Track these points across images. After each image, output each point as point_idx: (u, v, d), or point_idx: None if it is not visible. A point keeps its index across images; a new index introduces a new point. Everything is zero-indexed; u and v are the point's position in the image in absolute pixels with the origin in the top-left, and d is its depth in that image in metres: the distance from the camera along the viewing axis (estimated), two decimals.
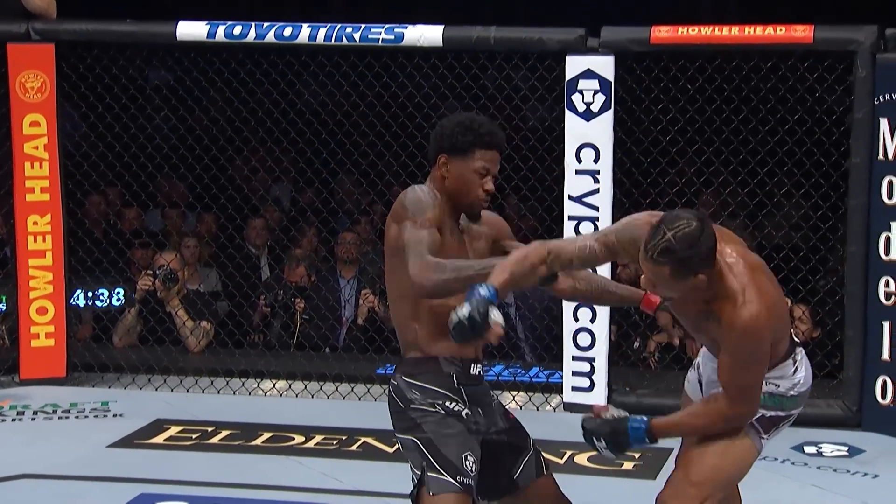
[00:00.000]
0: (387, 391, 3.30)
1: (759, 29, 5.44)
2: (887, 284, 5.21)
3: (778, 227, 6.22)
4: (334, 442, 5.12)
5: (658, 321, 6.22)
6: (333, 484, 4.73)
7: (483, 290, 3.10)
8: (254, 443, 5.18)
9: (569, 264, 3.28)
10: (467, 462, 3.22)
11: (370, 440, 5.27)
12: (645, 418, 3.21)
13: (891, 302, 5.20)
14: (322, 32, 5.63)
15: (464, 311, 3.04)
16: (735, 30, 5.50)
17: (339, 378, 5.98)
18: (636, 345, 6.24)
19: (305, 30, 5.67)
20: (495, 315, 3.01)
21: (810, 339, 5.89)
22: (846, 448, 5.27)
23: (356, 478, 4.76)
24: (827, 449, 5.28)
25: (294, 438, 5.25)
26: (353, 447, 5.21)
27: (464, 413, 3.24)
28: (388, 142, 5.99)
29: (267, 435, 5.26)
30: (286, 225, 6.81)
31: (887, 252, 5.16)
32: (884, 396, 5.26)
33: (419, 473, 3.19)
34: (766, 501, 4.67)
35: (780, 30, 5.42)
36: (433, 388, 3.22)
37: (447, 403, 3.23)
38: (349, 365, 6.11)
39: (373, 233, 6.78)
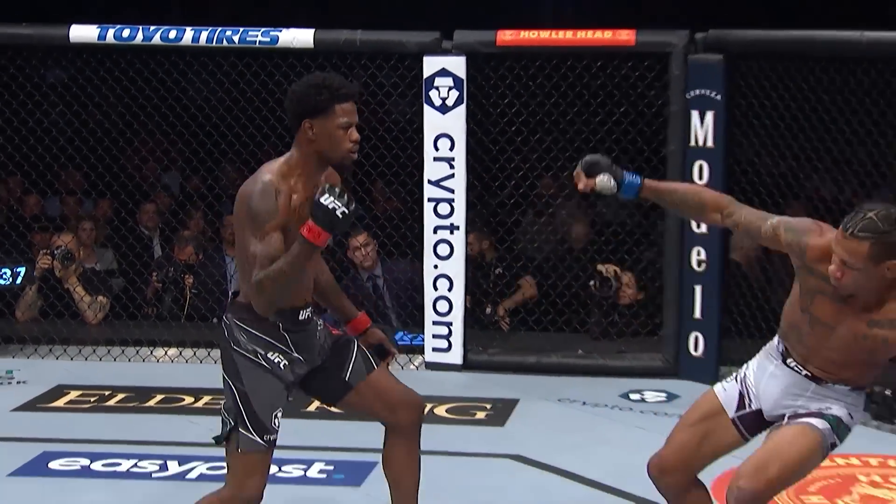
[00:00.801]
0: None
1: (590, 33, 5.45)
2: (699, 254, 5.29)
3: (608, 205, 6.31)
4: (222, 401, 5.04)
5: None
6: None
7: (631, 177, 3.06)
8: (147, 404, 5.05)
9: (734, 226, 3.09)
10: (276, 420, 3.10)
11: None
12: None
13: (701, 269, 5.31)
14: (204, 35, 5.50)
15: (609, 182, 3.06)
16: (570, 34, 5.50)
17: None
18: (488, 310, 6.28)
19: (189, 33, 5.51)
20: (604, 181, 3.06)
21: (635, 301, 5.99)
22: (665, 395, 5.33)
23: None
24: (649, 396, 5.32)
25: (184, 399, 5.12)
26: None
27: (282, 365, 3.09)
28: (267, 133, 5.88)
29: (160, 397, 5.13)
30: (175, 209, 6.63)
31: (699, 226, 5.25)
32: (696, 349, 5.37)
33: (232, 423, 3.07)
34: (597, 441, 4.74)
35: (608, 34, 5.43)
36: (258, 333, 3.05)
37: (269, 355, 3.08)
38: None
39: None
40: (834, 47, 4.94)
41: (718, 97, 5.26)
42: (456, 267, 5.66)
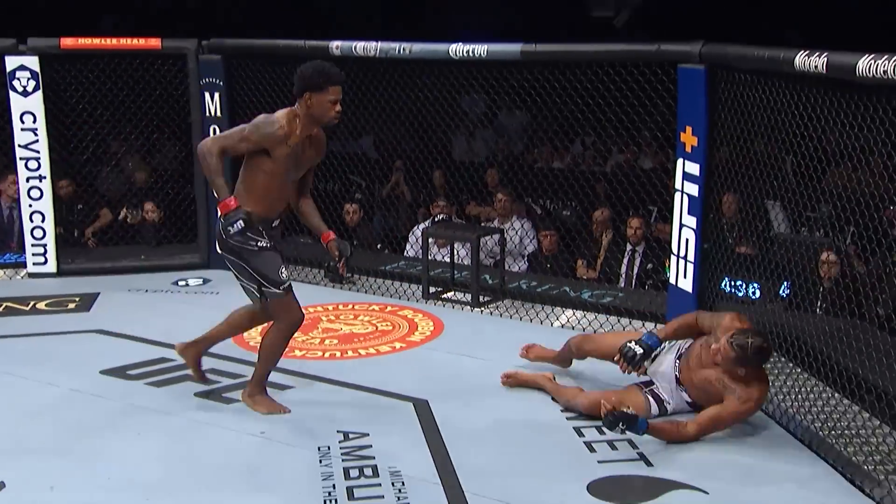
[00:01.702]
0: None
1: (132, 40, 5.62)
2: None
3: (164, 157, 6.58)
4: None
5: None
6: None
7: (649, 339, 3.48)
8: None
9: (702, 328, 3.50)
10: (282, 273, 3.57)
11: (10, 304, 5.22)
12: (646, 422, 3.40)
13: None
14: None
15: (636, 347, 3.43)
16: (115, 40, 5.65)
17: None
18: (76, 234, 6.34)
19: None
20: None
21: (160, 222, 6.33)
22: (202, 280, 5.78)
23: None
24: (192, 282, 5.76)
25: None
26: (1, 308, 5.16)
27: (268, 245, 3.53)
28: None
29: None
30: None
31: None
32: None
33: (256, 286, 3.53)
34: (156, 314, 5.04)
35: (142, 41, 5.62)
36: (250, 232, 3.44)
37: (259, 241, 3.50)
38: None
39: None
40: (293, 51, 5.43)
41: (221, 83, 5.66)
42: (46, 205, 5.72)
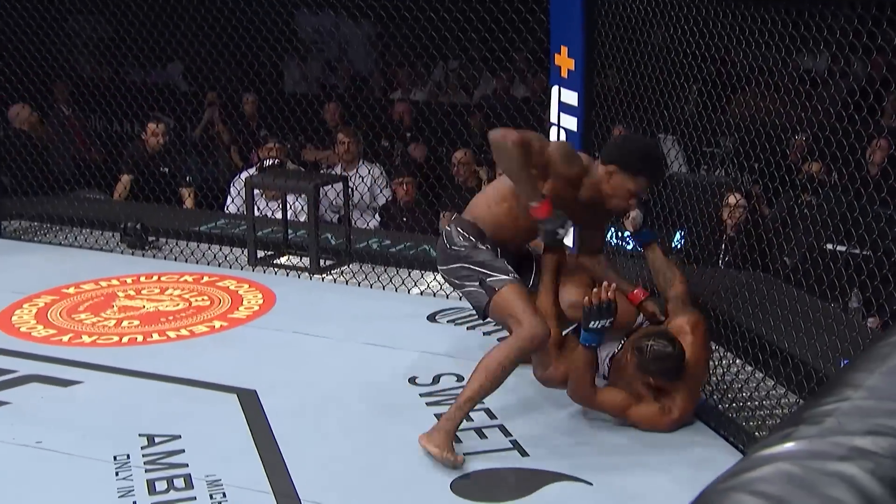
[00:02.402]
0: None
1: None
2: None
3: None
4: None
5: None
6: None
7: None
8: None
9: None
10: (510, 268, 3.51)
11: None
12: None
13: None
14: None
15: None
16: None
17: None
18: None
19: None
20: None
21: None
22: None
23: None
24: None
25: None
26: None
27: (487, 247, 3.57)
28: None
29: None
30: None
31: None
32: None
33: (477, 284, 3.48)
34: None
35: None
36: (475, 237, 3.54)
37: (478, 243, 3.54)
38: None
39: None
40: None
41: None
42: None
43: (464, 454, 3.45)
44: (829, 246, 4.62)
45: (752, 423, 3.56)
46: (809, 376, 3.53)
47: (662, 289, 3.72)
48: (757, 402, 3.67)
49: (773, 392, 3.75)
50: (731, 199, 5.43)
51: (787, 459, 0.71)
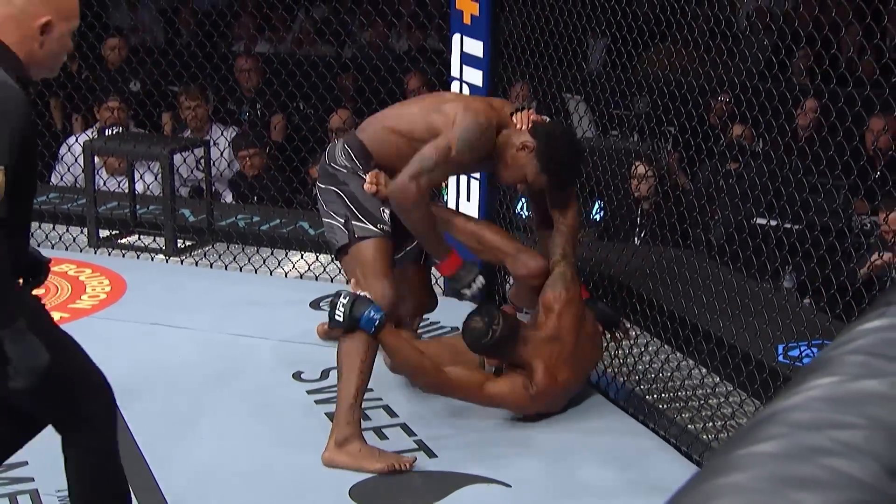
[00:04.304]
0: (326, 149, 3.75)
1: None
2: None
3: None
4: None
5: None
6: None
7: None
8: None
9: None
10: (384, 213, 3.58)
11: None
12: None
13: None
14: None
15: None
16: None
17: None
18: None
19: None
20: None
21: None
22: None
23: None
24: None
25: None
26: None
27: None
28: None
29: None
30: None
31: None
32: None
33: (342, 221, 3.55)
34: None
35: None
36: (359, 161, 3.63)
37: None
38: None
39: None
40: None
41: None
42: None
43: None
44: (760, 220, 4.82)
45: (684, 415, 3.73)
46: (742, 363, 3.68)
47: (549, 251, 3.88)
48: (688, 392, 3.85)
49: (706, 380, 3.93)
50: (641, 169, 5.59)
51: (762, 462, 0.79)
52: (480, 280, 3.72)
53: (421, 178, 3.54)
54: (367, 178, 3.62)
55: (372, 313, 3.38)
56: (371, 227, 3.59)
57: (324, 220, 3.70)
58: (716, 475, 0.77)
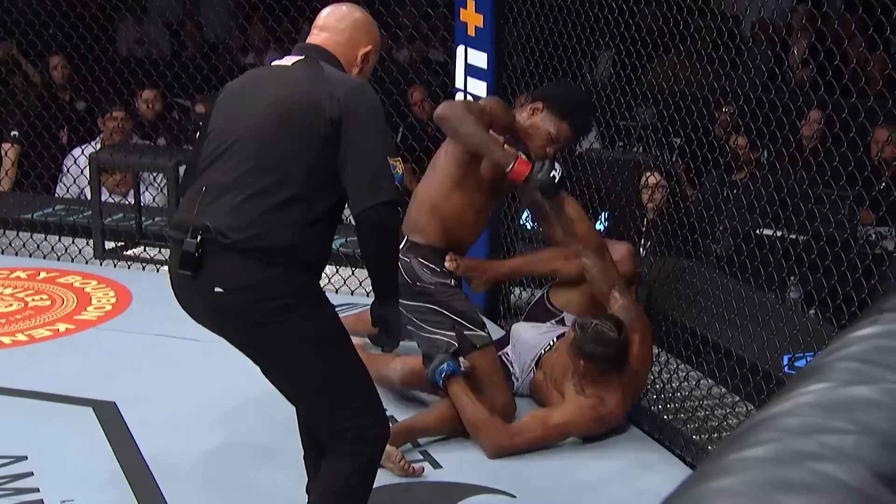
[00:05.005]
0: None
1: None
2: None
3: None
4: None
5: None
6: None
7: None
8: None
9: None
10: (478, 315, 3.69)
11: None
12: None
13: None
14: None
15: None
16: None
17: None
18: None
19: None
20: None
21: None
22: None
23: None
24: None
25: None
26: None
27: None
28: None
29: None
30: None
31: None
32: None
33: (451, 334, 3.57)
34: None
35: None
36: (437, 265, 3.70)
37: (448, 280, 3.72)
38: None
39: None
40: None
41: None
42: None
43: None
44: (766, 231, 4.82)
45: (689, 426, 3.73)
46: (748, 374, 3.70)
47: (602, 296, 3.85)
48: (694, 403, 3.85)
49: (713, 391, 3.93)
50: (651, 180, 5.59)
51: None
52: (558, 166, 3.58)
53: (456, 105, 3.70)
54: (447, 263, 3.71)
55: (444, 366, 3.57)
56: (480, 332, 3.73)
57: (423, 335, 3.73)
58: (707, 479, 0.79)
